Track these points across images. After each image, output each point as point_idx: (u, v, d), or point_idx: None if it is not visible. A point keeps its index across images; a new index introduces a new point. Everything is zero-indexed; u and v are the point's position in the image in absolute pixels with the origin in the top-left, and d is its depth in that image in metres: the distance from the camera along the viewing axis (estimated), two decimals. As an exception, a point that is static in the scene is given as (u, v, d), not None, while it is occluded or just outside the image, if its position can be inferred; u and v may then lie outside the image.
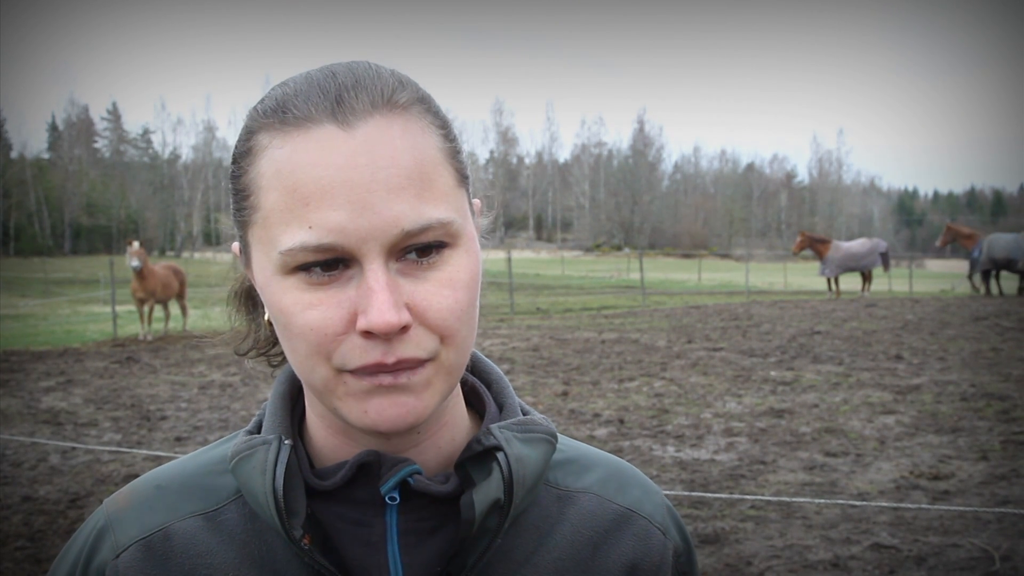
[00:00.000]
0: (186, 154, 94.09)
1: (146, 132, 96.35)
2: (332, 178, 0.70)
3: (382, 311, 0.69)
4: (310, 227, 0.70)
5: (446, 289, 0.73)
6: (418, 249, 0.72)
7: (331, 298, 0.71)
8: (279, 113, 0.73)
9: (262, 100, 0.77)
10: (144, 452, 7.14)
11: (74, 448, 7.38)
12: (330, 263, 0.71)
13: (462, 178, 0.77)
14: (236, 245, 0.82)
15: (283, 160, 0.72)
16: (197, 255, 69.93)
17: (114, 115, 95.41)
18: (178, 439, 7.73)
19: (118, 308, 17.87)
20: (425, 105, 0.76)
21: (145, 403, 9.44)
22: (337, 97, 0.72)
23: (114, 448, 7.36)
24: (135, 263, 15.25)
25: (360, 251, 0.70)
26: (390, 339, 0.71)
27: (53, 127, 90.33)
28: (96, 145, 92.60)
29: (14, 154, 77.16)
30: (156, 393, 10.04)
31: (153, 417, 8.70)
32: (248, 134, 0.76)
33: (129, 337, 15.89)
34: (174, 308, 17.28)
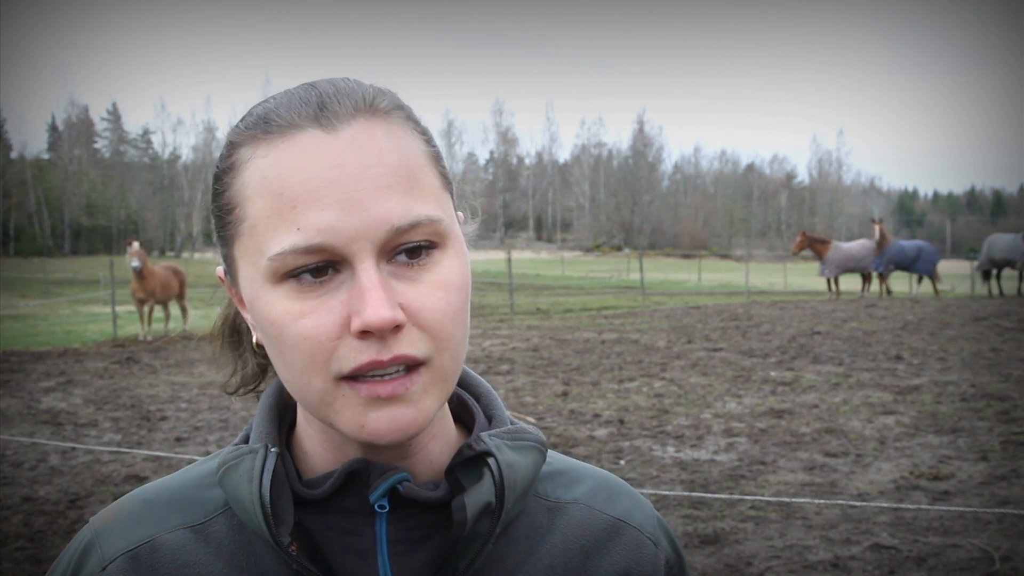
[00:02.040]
0: (186, 154, 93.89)
1: (146, 132, 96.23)
2: (319, 179, 0.70)
3: (377, 308, 0.69)
4: (298, 229, 0.70)
5: (439, 291, 0.73)
6: (408, 251, 0.72)
7: (322, 304, 0.71)
8: (262, 124, 0.74)
9: (243, 118, 0.77)
10: (144, 452, 7.14)
11: (74, 448, 7.38)
12: (320, 268, 0.71)
13: (447, 182, 0.78)
14: (220, 269, 0.81)
15: (268, 167, 0.72)
16: (197, 255, 69.93)
17: (114, 115, 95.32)
18: (178, 439, 7.73)
19: (118, 308, 17.86)
20: (405, 112, 0.77)
21: (145, 403, 9.44)
22: (319, 104, 0.73)
23: (114, 448, 7.35)
24: (135, 263, 15.26)
25: (350, 251, 0.70)
26: (384, 337, 0.70)
27: (53, 127, 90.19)
28: (96, 145, 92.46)
29: (14, 154, 76.96)
30: (156, 393, 10.04)
31: (153, 417, 8.70)
32: (230, 149, 0.76)
33: (129, 337, 15.89)
34: (174, 309, 17.27)
